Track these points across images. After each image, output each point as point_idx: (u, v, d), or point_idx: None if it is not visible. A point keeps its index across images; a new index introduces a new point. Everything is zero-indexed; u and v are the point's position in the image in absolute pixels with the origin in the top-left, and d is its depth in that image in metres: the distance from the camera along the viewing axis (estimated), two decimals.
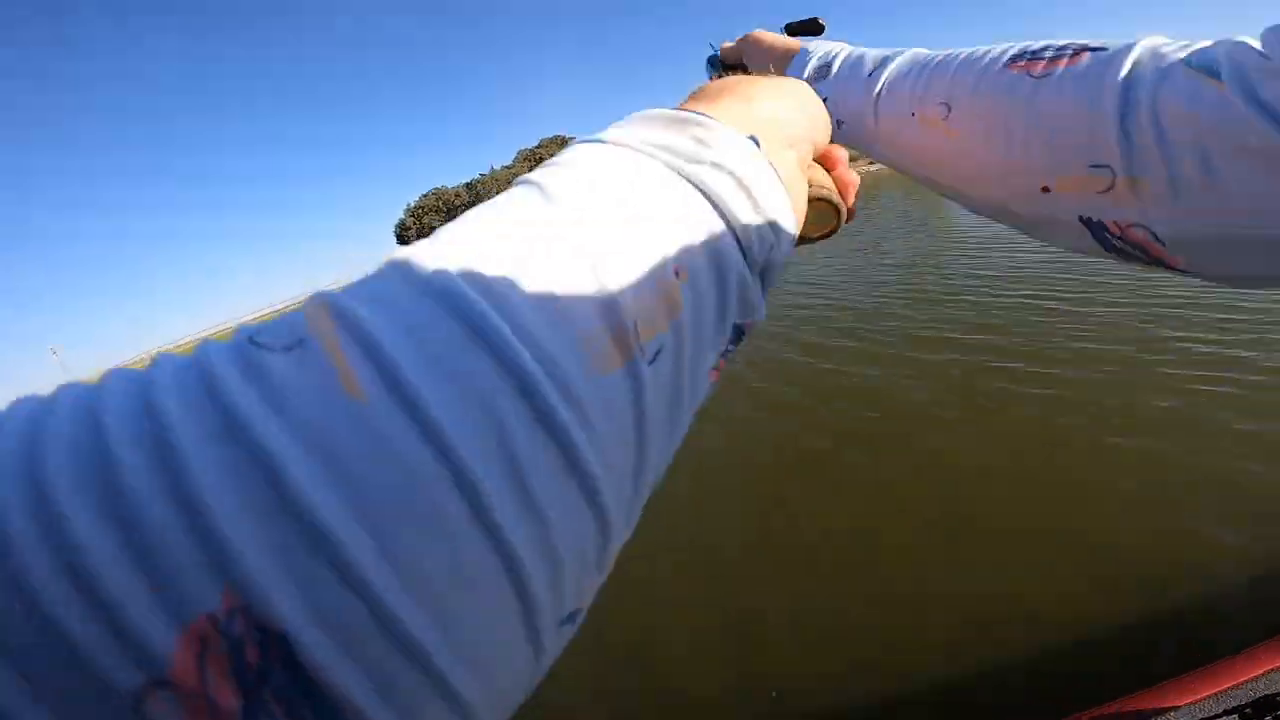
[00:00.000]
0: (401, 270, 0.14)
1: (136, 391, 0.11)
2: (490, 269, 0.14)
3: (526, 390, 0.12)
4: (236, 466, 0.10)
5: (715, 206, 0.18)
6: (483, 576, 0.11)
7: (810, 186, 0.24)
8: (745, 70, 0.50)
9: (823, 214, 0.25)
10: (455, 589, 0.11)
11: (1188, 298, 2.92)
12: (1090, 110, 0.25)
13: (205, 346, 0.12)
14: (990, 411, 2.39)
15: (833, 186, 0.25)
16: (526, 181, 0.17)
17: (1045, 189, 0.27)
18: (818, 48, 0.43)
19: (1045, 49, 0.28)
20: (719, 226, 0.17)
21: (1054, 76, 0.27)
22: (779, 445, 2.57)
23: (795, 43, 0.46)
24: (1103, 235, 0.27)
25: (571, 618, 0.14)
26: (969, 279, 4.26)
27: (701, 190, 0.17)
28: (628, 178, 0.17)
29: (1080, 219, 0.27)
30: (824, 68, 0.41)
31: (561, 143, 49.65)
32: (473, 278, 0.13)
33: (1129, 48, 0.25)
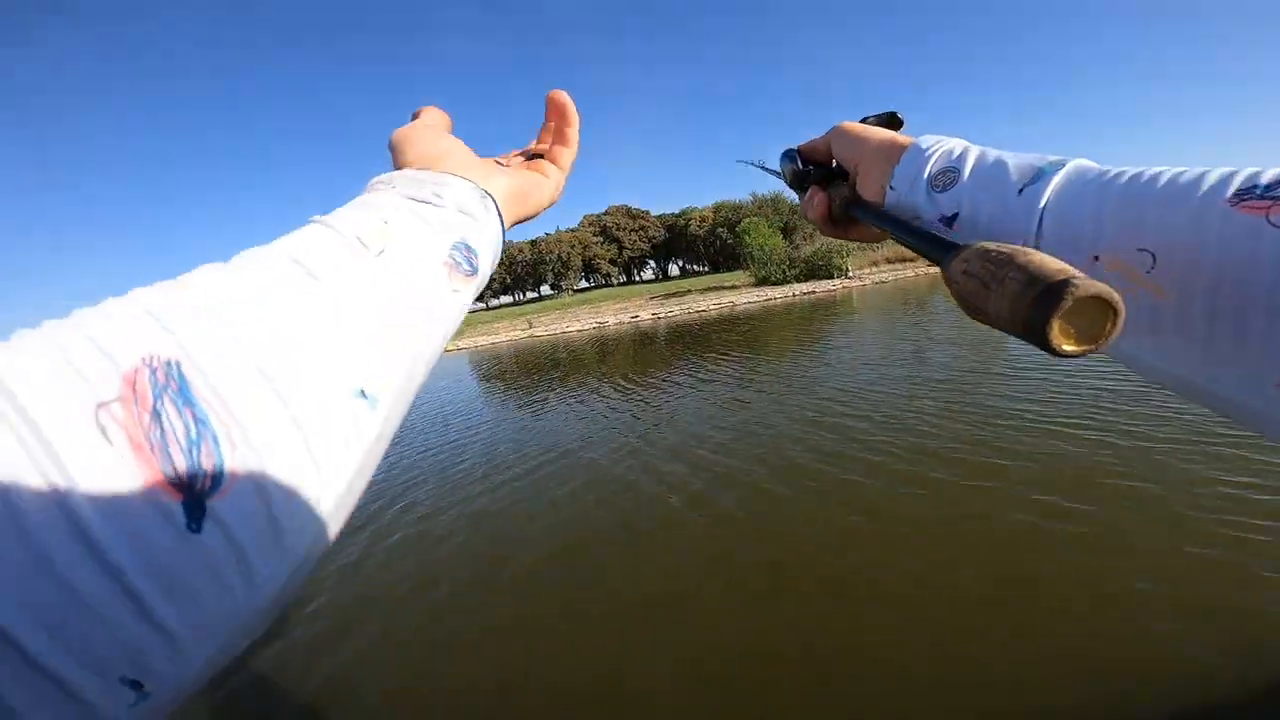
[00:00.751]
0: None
1: None
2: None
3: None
4: None
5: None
6: None
7: (1076, 280, 0.19)
8: (830, 166, 0.45)
9: (1096, 316, 0.19)
10: None
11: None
12: None
13: None
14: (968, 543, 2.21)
15: (1102, 286, 0.19)
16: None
17: None
18: (935, 145, 0.35)
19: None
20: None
21: None
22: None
23: (903, 136, 0.39)
24: None
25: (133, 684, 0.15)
26: (1008, 404, 4.07)
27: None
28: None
29: None
30: (949, 171, 0.33)
31: (626, 212, 52.23)
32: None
33: None
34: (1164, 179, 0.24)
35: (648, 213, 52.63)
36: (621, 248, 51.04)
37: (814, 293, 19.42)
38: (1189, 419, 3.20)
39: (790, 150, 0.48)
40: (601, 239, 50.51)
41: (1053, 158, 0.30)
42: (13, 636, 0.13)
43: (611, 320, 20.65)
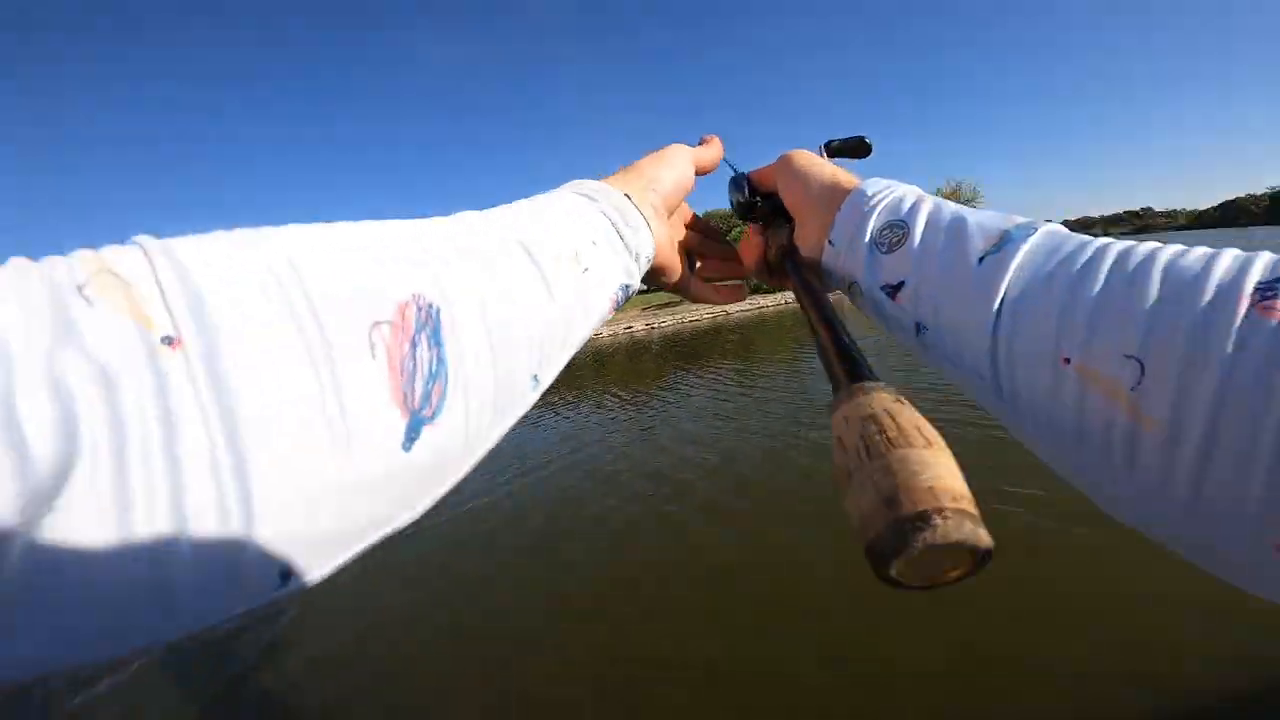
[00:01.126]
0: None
1: None
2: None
3: None
4: None
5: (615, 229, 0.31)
6: None
7: (938, 520, 0.14)
8: (776, 196, 0.37)
9: (960, 557, 0.14)
10: None
11: None
12: None
13: None
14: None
15: (969, 530, 0.14)
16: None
17: None
18: (883, 192, 0.30)
19: None
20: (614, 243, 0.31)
21: None
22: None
23: (849, 177, 0.33)
24: None
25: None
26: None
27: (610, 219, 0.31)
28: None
29: None
30: (896, 227, 0.28)
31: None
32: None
33: None
34: (1161, 262, 0.19)
35: None
36: None
37: None
38: None
39: (738, 176, 0.40)
40: None
41: (1020, 219, 0.25)
42: (232, 514, 0.14)
43: (605, 332, 20.62)
